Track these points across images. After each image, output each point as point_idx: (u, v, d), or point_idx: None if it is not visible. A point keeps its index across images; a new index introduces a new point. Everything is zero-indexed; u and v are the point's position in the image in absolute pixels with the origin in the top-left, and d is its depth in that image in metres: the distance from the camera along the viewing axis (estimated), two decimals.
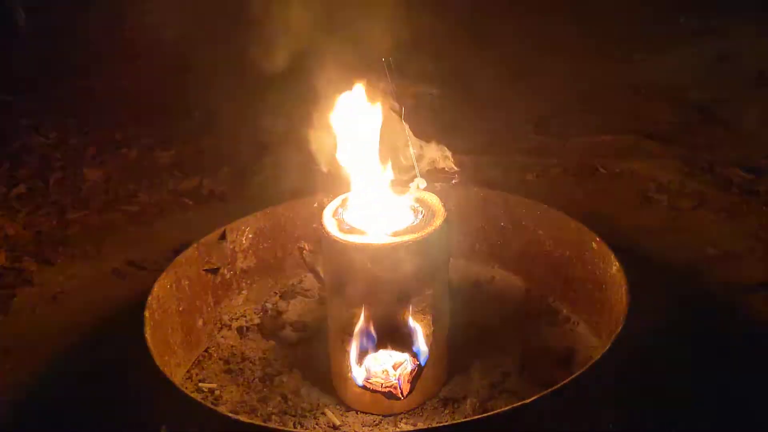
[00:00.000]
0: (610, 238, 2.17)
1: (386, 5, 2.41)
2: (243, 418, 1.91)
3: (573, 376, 1.66)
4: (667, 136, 3.70)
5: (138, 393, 1.92)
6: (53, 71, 5.18)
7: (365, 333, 1.92)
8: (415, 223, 1.90)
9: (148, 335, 1.90)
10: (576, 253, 2.28)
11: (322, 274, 2.06)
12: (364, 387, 1.96)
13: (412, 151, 2.08)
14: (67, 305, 2.75)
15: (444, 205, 1.97)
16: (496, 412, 1.63)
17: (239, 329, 2.39)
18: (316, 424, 1.98)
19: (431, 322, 1.94)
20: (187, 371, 2.21)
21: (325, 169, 2.01)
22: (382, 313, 1.90)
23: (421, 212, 1.95)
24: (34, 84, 5.07)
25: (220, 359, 2.26)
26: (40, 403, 2.24)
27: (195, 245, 2.29)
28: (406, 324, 1.92)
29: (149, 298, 2.02)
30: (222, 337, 2.36)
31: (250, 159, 3.63)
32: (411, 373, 1.95)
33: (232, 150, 3.78)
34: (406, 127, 2.09)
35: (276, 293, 2.55)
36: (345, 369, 1.98)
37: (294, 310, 2.48)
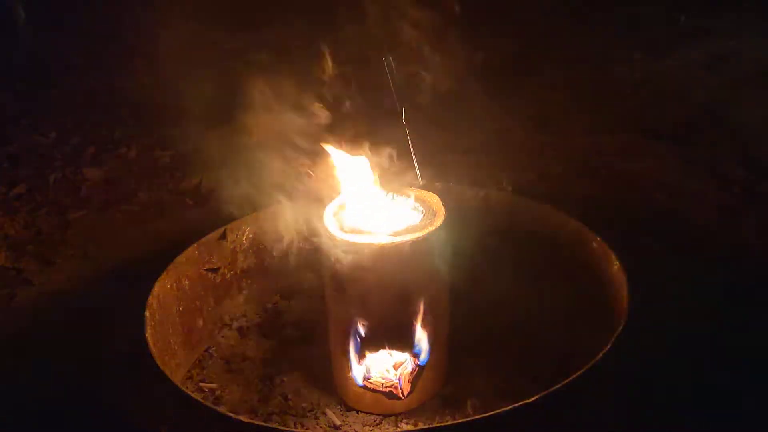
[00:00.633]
0: (610, 238, 2.17)
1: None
2: (243, 418, 1.90)
3: (574, 376, 1.66)
4: (667, 136, 3.70)
5: (138, 393, 1.91)
6: (53, 71, 5.18)
7: (365, 333, 1.92)
8: (415, 223, 1.90)
9: (148, 335, 1.90)
10: (576, 253, 2.28)
11: (322, 274, 2.04)
12: (364, 387, 1.96)
13: (412, 151, 2.09)
14: (67, 305, 2.74)
15: (444, 205, 1.97)
16: (496, 411, 1.63)
17: (240, 329, 2.39)
18: (317, 423, 1.98)
19: (431, 322, 1.94)
20: (188, 371, 2.21)
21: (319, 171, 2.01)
22: (383, 313, 1.90)
23: (422, 212, 1.95)
24: (34, 84, 5.07)
25: (220, 359, 2.26)
26: (40, 403, 2.24)
27: (195, 245, 2.29)
28: (406, 324, 1.91)
29: (149, 298, 2.02)
30: (222, 336, 2.36)
31: (250, 159, 3.63)
32: (411, 372, 1.95)
33: (232, 150, 3.78)
34: (406, 127, 2.09)
35: (276, 293, 2.55)
36: (345, 369, 1.98)
37: (294, 309, 2.48)
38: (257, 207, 2.47)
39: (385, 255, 1.82)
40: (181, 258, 2.23)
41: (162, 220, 3.34)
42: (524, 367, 2.11)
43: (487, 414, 1.65)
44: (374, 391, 1.96)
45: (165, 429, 1.91)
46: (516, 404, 1.61)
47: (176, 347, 2.15)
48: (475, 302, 2.33)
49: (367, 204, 1.98)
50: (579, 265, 2.27)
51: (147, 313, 1.96)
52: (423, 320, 1.93)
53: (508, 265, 2.49)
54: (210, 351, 2.30)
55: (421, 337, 1.93)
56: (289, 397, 2.09)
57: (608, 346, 1.73)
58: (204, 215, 3.29)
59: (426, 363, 1.97)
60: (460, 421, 1.89)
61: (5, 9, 5.65)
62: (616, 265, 2.06)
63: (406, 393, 1.96)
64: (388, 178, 2.05)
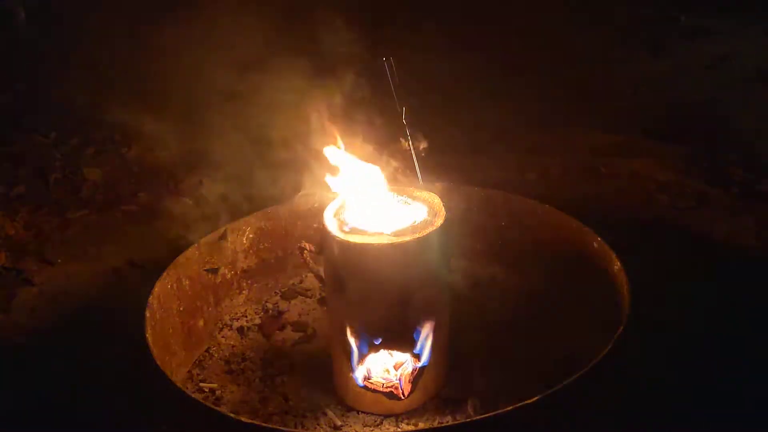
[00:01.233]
0: (611, 238, 2.17)
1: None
2: (244, 418, 1.90)
3: (574, 377, 1.66)
4: (667, 136, 3.70)
5: (139, 393, 1.91)
6: (53, 71, 5.17)
7: (366, 333, 1.92)
8: (416, 223, 1.90)
9: (148, 335, 1.90)
10: (577, 253, 2.28)
11: (322, 274, 2.06)
12: (365, 387, 1.96)
13: (412, 150, 2.08)
14: (68, 305, 2.74)
15: (445, 205, 1.97)
16: (497, 412, 1.63)
17: (240, 329, 2.39)
18: (317, 424, 1.98)
19: (432, 322, 1.94)
20: (188, 371, 2.21)
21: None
22: (383, 313, 1.89)
23: (422, 212, 1.95)
24: (34, 84, 5.06)
25: (220, 359, 2.26)
26: (41, 403, 2.24)
27: (195, 245, 2.29)
28: (406, 324, 1.91)
29: (150, 298, 2.02)
30: (223, 337, 2.36)
31: (250, 159, 3.63)
32: (412, 373, 1.95)
33: (232, 150, 3.78)
34: (406, 127, 2.09)
35: (277, 293, 2.55)
36: (346, 369, 1.98)
37: (295, 310, 2.48)
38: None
39: (386, 255, 1.82)
40: (181, 258, 2.23)
41: (162, 220, 3.34)
42: (525, 367, 2.11)
43: (487, 414, 1.65)
44: (375, 391, 1.96)
45: (165, 429, 1.91)
46: (516, 404, 1.61)
47: (176, 347, 2.15)
48: (476, 302, 2.34)
49: (368, 204, 1.98)
50: (579, 265, 2.27)
51: (147, 313, 1.96)
52: (423, 320, 1.92)
53: (508, 265, 2.50)
54: (210, 351, 2.30)
55: (422, 337, 1.93)
56: (290, 397, 2.09)
57: (609, 347, 1.73)
58: (204, 215, 3.29)
59: (426, 363, 1.96)
60: (460, 421, 1.89)
61: (5, 9, 5.65)
62: (616, 265, 2.06)
63: (406, 393, 1.96)
64: (388, 179, 2.05)
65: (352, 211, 1.96)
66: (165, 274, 2.14)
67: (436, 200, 2.00)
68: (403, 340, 1.93)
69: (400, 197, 2.02)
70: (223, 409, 1.98)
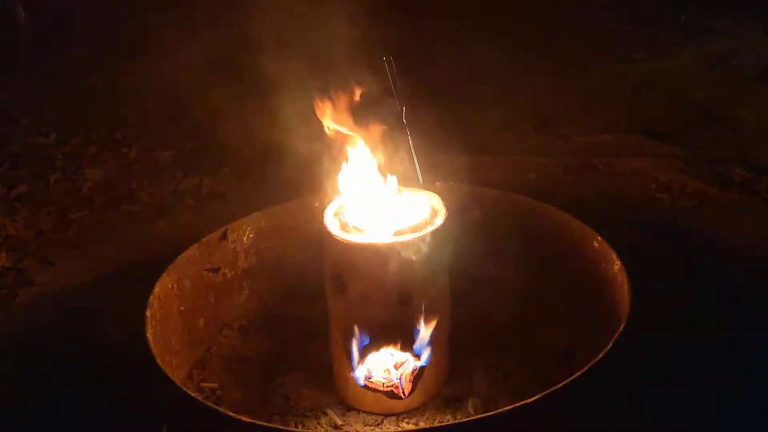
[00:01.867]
0: (611, 237, 2.17)
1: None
2: (244, 417, 1.90)
3: (574, 376, 1.66)
4: (667, 135, 3.70)
5: (139, 393, 1.91)
6: (53, 70, 5.17)
7: (366, 332, 1.92)
8: (416, 223, 1.90)
9: (149, 335, 1.90)
10: (577, 252, 2.28)
11: (322, 273, 2.05)
12: (365, 386, 1.96)
13: (412, 150, 2.08)
14: (68, 305, 2.75)
15: (445, 205, 1.97)
16: (497, 411, 1.63)
17: (241, 329, 2.39)
18: (318, 423, 1.98)
19: (432, 322, 1.94)
20: (189, 371, 2.21)
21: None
22: (384, 313, 1.90)
23: (422, 211, 1.95)
24: (34, 83, 5.07)
25: (221, 359, 2.26)
26: (41, 402, 2.24)
27: (196, 245, 2.29)
28: (407, 323, 1.92)
29: (150, 298, 2.02)
30: (223, 336, 2.36)
31: (251, 159, 3.63)
32: (412, 372, 1.95)
33: (232, 150, 3.78)
34: (406, 126, 2.09)
35: (277, 293, 2.55)
36: (346, 368, 1.98)
37: (295, 309, 2.47)
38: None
39: (386, 255, 1.82)
40: (182, 258, 2.23)
41: (163, 220, 3.34)
42: (525, 366, 2.11)
43: (488, 413, 1.65)
44: (375, 390, 1.96)
45: (166, 429, 1.91)
46: (517, 404, 1.61)
47: (177, 347, 2.15)
48: (476, 302, 2.34)
49: (368, 203, 1.98)
50: (580, 265, 2.27)
51: (148, 313, 1.96)
52: (424, 320, 1.93)
53: (508, 264, 2.49)
54: (211, 351, 2.30)
55: (422, 336, 1.93)
56: (290, 396, 2.09)
57: (609, 346, 1.73)
58: (205, 215, 3.30)
59: (427, 363, 1.97)
60: (461, 420, 1.89)
61: (5, 8, 5.65)
62: (617, 265, 2.06)
63: (407, 392, 1.96)
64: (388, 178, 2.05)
65: (353, 211, 1.97)
66: (165, 273, 2.14)
67: (436, 200, 2.00)
68: (404, 340, 1.93)
69: (400, 197, 2.02)
70: (224, 409, 1.97)
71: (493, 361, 2.14)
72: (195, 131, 4.12)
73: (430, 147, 2.24)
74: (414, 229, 1.86)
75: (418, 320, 1.92)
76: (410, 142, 2.09)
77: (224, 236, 2.38)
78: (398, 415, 2.01)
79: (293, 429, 1.92)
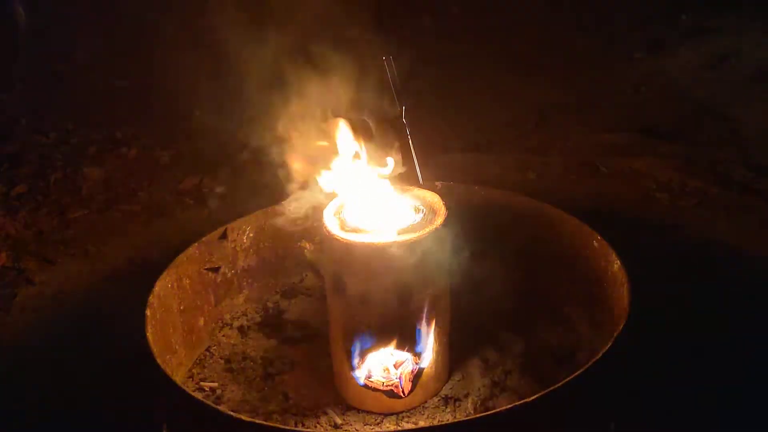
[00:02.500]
0: (611, 237, 2.17)
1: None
2: (244, 416, 1.90)
3: (574, 375, 1.66)
4: (668, 135, 3.70)
5: (139, 392, 1.91)
6: (53, 71, 5.18)
7: (366, 332, 1.92)
8: (416, 222, 1.90)
9: (149, 334, 1.90)
10: (577, 252, 2.28)
11: (322, 273, 2.06)
12: (365, 386, 1.96)
13: (412, 150, 2.09)
14: (68, 304, 2.75)
15: (445, 204, 1.97)
16: (497, 410, 1.63)
17: (240, 328, 2.39)
18: (318, 422, 1.98)
19: (432, 321, 1.94)
20: (189, 370, 2.21)
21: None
22: (384, 312, 1.90)
23: (422, 211, 1.95)
24: (34, 83, 5.07)
25: (221, 358, 2.26)
26: (41, 402, 2.24)
27: (196, 244, 2.29)
28: (407, 323, 1.92)
29: (150, 297, 2.02)
30: (223, 336, 2.36)
31: (250, 158, 3.63)
32: (412, 371, 1.95)
33: (232, 149, 3.79)
34: (406, 126, 2.09)
35: (277, 292, 2.55)
36: (346, 368, 1.98)
37: (295, 308, 2.48)
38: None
39: (386, 254, 1.82)
40: (182, 257, 2.23)
41: (162, 219, 3.34)
42: (525, 366, 2.11)
43: (487, 413, 1.65)
44: (375, 390, 1.96)
45: (166, 428, 1.91)
46: (516, 403, 1.61)
47: (177, 346, 2.15)
48: (476, 301, 2.34)
49: (368, 203, 1.98)
50: (579, 264, 2.27)
51: (148, 312, 1.96)
52: (424, 319, 1.93)
53: (508, 264, 2.49)
54: (211, 350, 2.30)
55: (422, 335, 1.93)
56: (290, 396, 2.09)
57: (608, 345, 1.73)
58: (204, 214, 3.30)
59: (427, 362, 1.97)
60: (460, 420, 1.89)
61: (5, 8, 5.65)
62: (616, 264, 2.06)
63: (407, 392, 1.96)
64: (388, 178, 2.05)
65: (352, 211, 1.97)
66: (165, 273, 2.14)
67: (436, 199, 2.00)
68: (404, 339, 1.93)
69: (400, 196, 2.02)
70: (224, 408, 1.98)
71: (492, 361, 2.14)
72: (195, 131, 4.12)
73: (430, 146, 2.24)
74: (414, 229, 1.87)
75: (418, 320, 1.92)
76: (410, 141, 2.09)
77: (224, 236, 2.38)
78: (398, 415, 2.01)
79: (293, 428, 1.92)
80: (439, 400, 2.04)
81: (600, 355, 1.71)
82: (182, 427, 1.86)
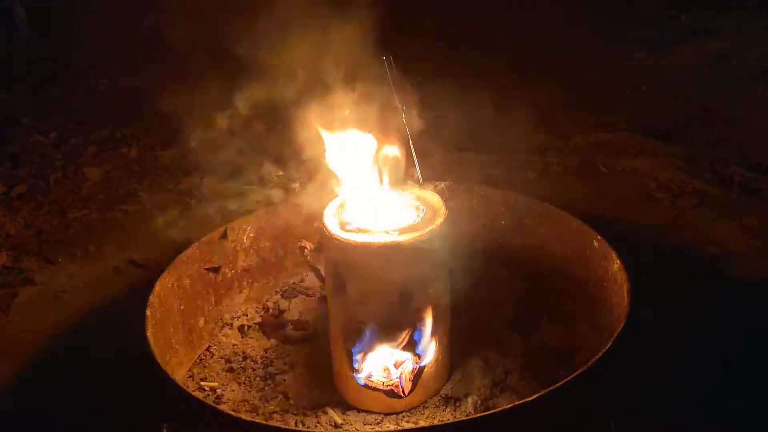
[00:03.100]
0: (611, 237, 2.17)
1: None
2: (244, 416, 1.91)
3: (574, 375, 1.66)
4: (668, 135, 3.70)
5: (139, 392, 1.91)
6: (53, 70, 5.18)
7: (367, 331, 1.92)
8: (416, 222, 1.90)
9: (149, 334, 1.90)
10: (577, 252, 2.28)
11: (323, 273, 2.06)
12: (365, 385, 1.96)
13: (413, 149, 2.09)
14: (69, 304, 2.75)
15: (445, 204, 1.97)
16: (497, 410, 1.63)
17: (240, 328, 2.39)
18: (318, 422, 1.98)
19: (432, 321, 1.94)
20: (189, 370, 2.21)
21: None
22: (384, 312, 1.90)
23: (422, 211, 1.95)
24: (34, 83, 5.07)
25: (221, 358, 2.26)
26: (42, 402, 2.25)
27: (196, 244, 2.30)
28: (407, 322, 1.92)
29: (151, 297, 2.02)
30: (223, 335, 2.36)
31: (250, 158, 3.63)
32: (412, 371, 1.95)
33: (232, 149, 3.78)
34: (407, 126, 2.09)
35: (277, 292, 2.55)
36: (346, 367, 1.98)
37: (295, 308, 2.48)
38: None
39: (386, 254, 1.82)
40: (182, 257, 2.23)
41: (163, 219, 3.34)
42: (525, 365, 2.11)
43: (487, 412, 1.65)
44: (375, 389, 1.96)
45: (166, 428, 1.91)
46: (516, 403, 1.61)
47: (177, 346, 2.15)
48: (476, 301, 2.34)
49: (368, 203, 1.98)
50: (580, 264, 2.27)
51: (148, 312, 1.96)
52: (424, 319, 1.93)
53: (508, 263, 2.50)
54: (211, 350, 2.30)
55: (422, 335, 1.93)
56: (290, 395, 2.09)
57: (608, 345, 1.73)
58: (205, 214, 3.30)
59: (427, 362, 1.97)
60: (461, 419, 1.89)
61: (5, 9, 5.65)
62: (616, 264, 2.06)
63: (407, 391, 1.96)
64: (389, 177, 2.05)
65: (352, 210, 1.97)
66: (165, 273, 2.14)
67: (436, 199, 2.00)
68: (404, 338, 1.93)
69: (400, 196, 2.02)
70: (224, 408, 1.99)
71: (492, 360, 2.14)
72: (195, 131, 4.12)
73: (430, 146, 2.24)
74: (414, 229, 1.87)
75: (418, 320, 1.92)
76: (410, 141, 2.09)
77: (224, 235, 2.38)
78: (398, 414, 2.01)
79: (293, 428, 1.92)
80: (439, 399, 2.04)
81: (600, 355, 1.71)
82: (182, 427, 1.86)
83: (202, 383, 2.16)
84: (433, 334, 1.95)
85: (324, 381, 2.12)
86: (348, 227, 1.89)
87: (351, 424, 1.98)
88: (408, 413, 2.01)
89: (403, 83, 2.12)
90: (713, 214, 3.01)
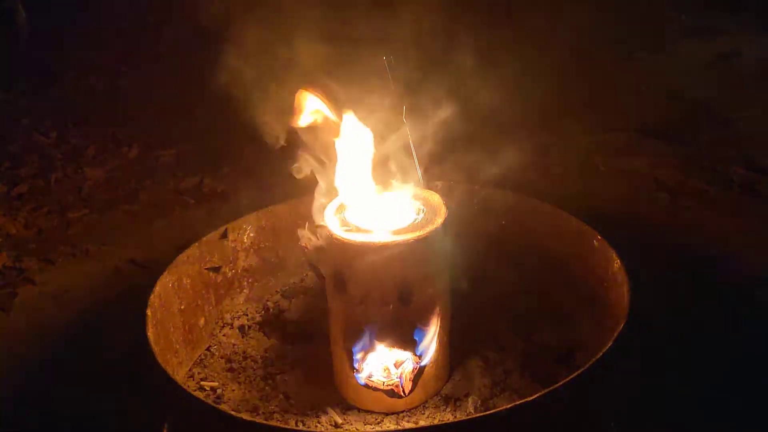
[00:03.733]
0: (611, 236, 2.17)
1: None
2: (245, 416, 1.91)
3: (574, 374, 1.66)
4: (668, 135, 3.70)
5: (140, 391, 1.92)
6: (53, 70, 5.18)
7: (367, 331, 1.92)
8: (416, 222, 1.91)
9: (150, 334, 1.90)
10: (577, 251, 2.28)
11: (323, 272, 2.06)
12: (366, 385, 1.96)
13: (413, 149, 2.09)
14: (69, 304, 2.75)
15: (445, 204, 1.97)
16: (497, 410, 1.63)
17: (241, 328, 2.39)
18: (318, 422, 1.99)
19: (433, 320, 1.94)
20: (189, 370, 2.21)
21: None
22: (384, 312, 1.90)
23: (423, 211, 1.95)
24: (34, 83, 5.07)
25: (221, 358, 2.27)
26: (42, 401, 2.25)
27: (196, 244, 2.30)
28: (407, 322, 1.92)
29: (151, 297, 2.02)
30: (224, 335, 2.36)
31: (251, 157, 3.64)
32: (413, 371, 1.96)
33: (232, 148, 3.79)
34: (407, 125, 2.09)
35: (277, 291, 2.55)
36: (347, 367, 1.99)
37: (295, 308, 2.48)
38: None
39: (387, 254, 1.83)
40: (182, 257, 2.23)
41: (163, 219, 3.34)
42: (525, 365, 2.11)
43: (488, 412, 1.65)
44: (375, 389, 1.96)
45: (166, 427, 1.91)
46: (516, 403, 1.61)
47: (177, 346, 2.15)
48: (476, 301, 2.34)
49: (369, 203, 1.98)
50: (580, 264, 2.27)
51: (148, 312, 1.97)
52: (424, 319, 1.93)
53: (509, 263, 2.50)
54: (211, 350, 2.30)
55: (423, 335, 1.93)
56: (291, 395, 2.09)
57: (609, 345, 1.73)
58: (205, 214, 3.30)
59: (427, 362, 1.97)
60: (461, 419, 1.90)
61: (6, 8, 5.65)
62: (616, 264, 2.06)
63: (407, 391, 1.96)
64: (389, 177, 2.05)
65: (353, 210, 1.97)
66: (166, 272, 2.14)
67: (437, 199, 2.00)
68: (404, 339, 1.93)
69: (400, 196, 2.02)
70: (224, 408, 1.99)
71: (492, 360, 2.14)
72: (195, 130, 4.13)
73: (430, 146, 2.24)
74: (414, 228, 1.87)
75: (418, 319, 1.92)
76: (410, 140, 2.09)
77: (225, 235, 2.39)
78: (398, 414, 2.01)
79: (294, 428, 1.92)
80: (439, 399, 2.05)
81: (600, 355, 1.71)
82: (183, 427, 1.86)
83: (203, 383, 2.16)
84: (433, 333, 1.95)
85: (324, 381, 2.12)
86: (348, 227, 1.89)
87: (351, 424, 1.99)
88: (408, 413, 2.01)
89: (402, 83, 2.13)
90: (713, 214, 3.01)
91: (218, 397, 2.10)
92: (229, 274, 2.43)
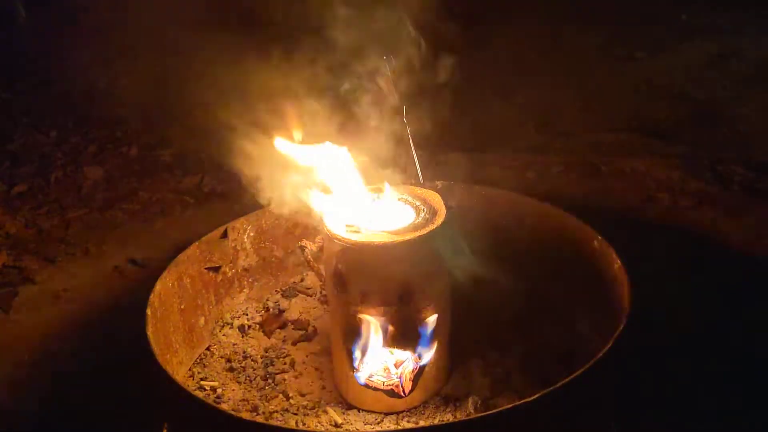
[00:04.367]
0: (611, 237, 2.17)
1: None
2: (245, 416, 1.91)
3: (575, 375, 1.66)
4: (668, 134, 3.70)
5: (140, 391, 1.92)
6: (53, 69, 5.18)
7: (367, 331, 1.92)
8: (416, 222, 1.91)
9: (150, 333, 1.90)
10: (577, 252, 2.28)
11: (323, 272, 2.06)
12: (366, 385, 1.96)
13: (413, 149, 2.09)
14: (69, 303, 2.75)
15: (445, 204, 1.97)
16: (497, 410, 1.63)
17: (241, 327, 2.39)
18: (318, 422, 1.99)
19: (433, 320, 1.94)
20: (189, 369, 2.21)
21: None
22: (384, 311, 1.90)
23: (423, 210, 1.95)
24: (34, 82, 5.07)
25: (221, 357, 2.27)
26: (42, 401, 2.25)
27: (196, 243, 2.30)
28: (407, 322, 1.92)
29: (151, 296, 2.02)
30: (224, 335, 2.36)
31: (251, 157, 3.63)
32: (413, 371, 1.96)
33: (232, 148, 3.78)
34: (407, 125, 2.10)
35: (277, 291, 2.55)
36: (347, 367, 1.99)
37: (295, 308, 2.48)
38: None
39: (387, 253, 1.83)
40: (182, 256, 2.23)
41: (163, 218, 3.34)
42: (525, 365, 2.11)
43: (488, 412, 1.65)
44: (376, 389, 1.96)
45: (166, 427, 1.91)
46: (517, 403, 1.61)
47: (177, 345, 2.15)
48: (476, 301, 2.34)
49: (368, 202, 1.98)
50: (580, 264, 2.27)
51: (148, 312, 1.96)
52: (424, 319, 1.93)
53: (509, 263, 2.50)
54: (211, 349, 2.30)
55: (423, 335, 1.93)
56: (291, 395, 2.09)
57: (609, 345, 1.73)
58: (205, 213, 3.30)
59: (427, 361, 1.97)
60: (461, 419, 1.90)
61: (6, 7, 5.65)
62: (617, 264, 2.06)
63: (407, 391, 1.96)
64: (389, 177, 2.05)
65: (353, 210, 1.97)
66: (166, 272, 2.14)
67: (437, 198, 2.00)
68: (404, 339, 1.93)
69: (400, 196, 2.02)
70: (224, 407, 1.99)
71: (493, 360, 2.14)
72: (195, 130, 4.12)
73: (430, 146, 2.24)
74: (414, 228, 1.87)
75: (418, 319, 1.92)
76: (410, 140, 2.09)
77: (225, 235, 2.38)
78: (398, 414, 2.01)
79: (294, 427, 1.92)
80: (439, 399, 2.05)
81: (600, 355, 1.71)
82: (183, 427, 1.86)
83: (203, 383, 2.16)
84: (433, 333, 1.95)
85: (324, 381, 2.13)
86: (349, 227, 1.89)
87: (351, 424, 1.99)
88: (408, 413, 2.01)
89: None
90: (713, 214, 3.01)
91: (218, 397, 2.10)
92: (229, 274, 2.43)
